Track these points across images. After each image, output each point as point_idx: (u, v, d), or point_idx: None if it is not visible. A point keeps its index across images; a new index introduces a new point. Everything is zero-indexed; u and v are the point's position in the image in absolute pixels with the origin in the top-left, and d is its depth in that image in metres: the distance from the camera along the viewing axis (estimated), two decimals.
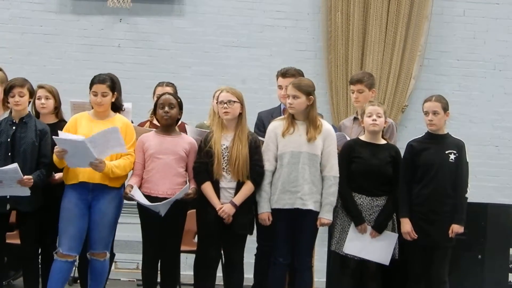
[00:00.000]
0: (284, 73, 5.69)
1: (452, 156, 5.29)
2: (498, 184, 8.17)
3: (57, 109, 5.46)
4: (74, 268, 5.45)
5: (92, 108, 5.24)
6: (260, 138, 5.30)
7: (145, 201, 5.02)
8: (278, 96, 5.78)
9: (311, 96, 5.16)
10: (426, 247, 5.25)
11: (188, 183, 5.15)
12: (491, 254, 6.13)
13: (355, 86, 5.79)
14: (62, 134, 4.99)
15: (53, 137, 5.02)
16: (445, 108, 5.35)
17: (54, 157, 5.05)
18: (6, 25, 8.14)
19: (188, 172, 5.19)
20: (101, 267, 5.15)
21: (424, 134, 5.46)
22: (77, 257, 5.18)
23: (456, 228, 5.21)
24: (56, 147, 4.97)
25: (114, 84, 5.22)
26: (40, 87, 5.42)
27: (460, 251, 5.56)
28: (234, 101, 5.13)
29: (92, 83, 5.18)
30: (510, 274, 6.49)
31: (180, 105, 5.25)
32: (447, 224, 5.22)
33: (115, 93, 5.23)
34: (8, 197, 5.09)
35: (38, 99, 5.39)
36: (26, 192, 5.01)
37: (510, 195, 7.90)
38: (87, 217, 5.06)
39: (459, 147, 5.34)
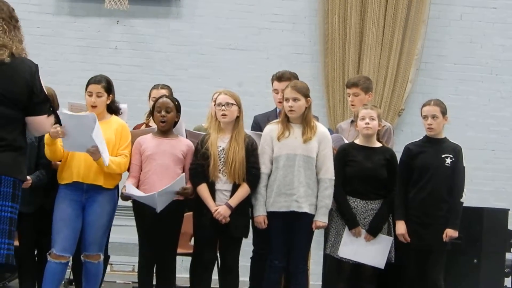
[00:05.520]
0: (279, 77, 5.68)
1: (448, 160, 5.30)
2: (494, 188, 8.19)
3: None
4: (69, 270, 5.44)
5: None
6: (258, 132, 5.32)
7: (140, 194, 5.01)
8: (274, 100, 5.78)
9: (309, 98, 5.16)
10: (421, 250, 5.25)
11: (183, 174, 5.12)
12: (487, 258, 6.14)
13: (350, 90, 5.79)
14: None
15: (59, 111, 5.00)
16: (444, 112, 5.36)
17: (46, 142, 4.99)
18: None
19: (185, 174, 5.18)
20: (95, 270, 5.12)
21: (422, 137, 5.46)
22: (71, 259, 5.16)
23: (450, 233, 5.22)
24: (53, 126, 4.81)
25: (109, 86, 5.21)
26: None
27: (455, 255, 5.56)
28: (232, 104, 5.13)
29: (88, 84, 5.19)
30: (505, 278, 6.50)
31: (177, 108, 5.24)
32: (442, 228, 5.22)
33: (111, 95, 5.23)
34: None
35: None
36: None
37: (506, 199, 7.90)
38: (81, 218, 5.05)
39: (456, 151, 5.34)
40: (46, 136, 4.97)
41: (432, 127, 5.34)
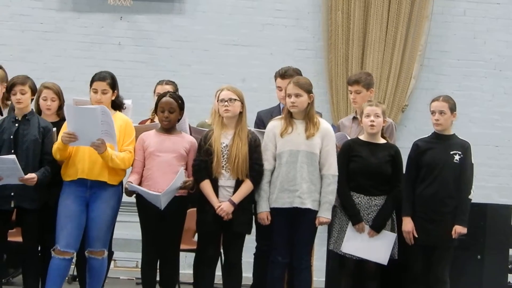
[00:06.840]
0: (283, 74, 5.67)
1: (456, 157, 5.29)
2: (498, 184, 8.17)
3: (60, 109, 5.46)
4: (73, 266, 5.45)
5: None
6: (261, 130, 5.32)
7: (144, 189, 5.02)
8: (278, 97, 5.77)
9: (311, 94, 5.16)
10: (427, 247, 5.25)
11: (183, 167, 5.12)
12: (491, 254, 6.13)
13: (352, 87, 5.76)
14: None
15: (64, 105, 5.01)
16: (452, 109, 5.34)
17: (56, 146, 5.03)
18: (6, 22, 8.15)
19: (188, 171, 5.19)
20: (99, 266, 5.15)
21: (430, 134, 5.45)
22: (75, 255, 5.18)
23: (459, 229, 5.21)
24: (65, 131, 4.93)
25: (114, 82, 5.23)
26: (46, 87, 5.39)
27: (459, 251, 5.54)
28: (235, 99, 5.12)
29: (92, 81, 5.20)
30: (509, 274, 6.50)
31: (181, 107, 5.23)
32: (449, 224, 5.21)
33: (116, 91, 5.24)
34: (12, 194, 5.10)
35: (44, 100, 5.37)
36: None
37: (509, 195, 7.90)
38: (85, 214, 5.07)
39: (464, 148, 5.33)
40: (59, 142, 5.00)
41: (439, 122, 5.32)
